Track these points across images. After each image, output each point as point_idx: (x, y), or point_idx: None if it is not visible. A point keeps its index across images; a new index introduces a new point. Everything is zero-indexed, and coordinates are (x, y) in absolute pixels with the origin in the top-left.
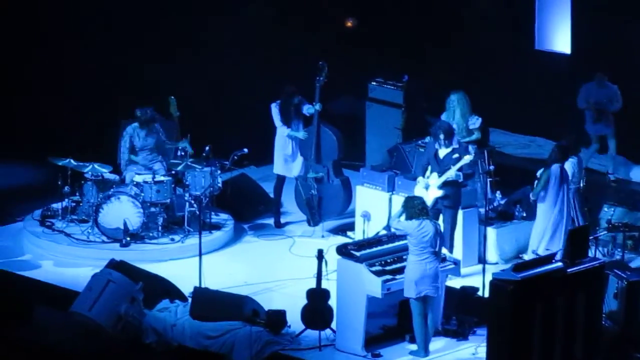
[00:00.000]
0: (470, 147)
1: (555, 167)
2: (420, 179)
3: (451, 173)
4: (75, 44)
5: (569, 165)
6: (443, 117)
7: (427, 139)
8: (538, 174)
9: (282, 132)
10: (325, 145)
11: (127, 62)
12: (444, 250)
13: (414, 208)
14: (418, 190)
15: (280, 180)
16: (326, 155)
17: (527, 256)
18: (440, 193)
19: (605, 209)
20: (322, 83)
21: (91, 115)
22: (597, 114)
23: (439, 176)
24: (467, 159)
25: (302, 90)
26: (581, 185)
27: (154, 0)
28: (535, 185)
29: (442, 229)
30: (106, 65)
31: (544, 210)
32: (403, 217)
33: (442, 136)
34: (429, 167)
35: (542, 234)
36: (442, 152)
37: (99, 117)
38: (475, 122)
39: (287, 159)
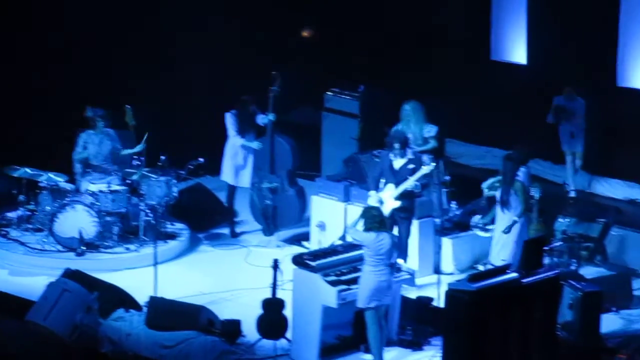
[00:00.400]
0: (426, 157)
1: (524, 180)
2: (372, 193)
3: (409, 183)
4: (32, 53)
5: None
6: (399, 127)
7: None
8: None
9: (235, 142)
10: (279, 155)
11: (82, 72)
12: (400, 261)
13: (373, 220)
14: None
15: (232, 189)
16: (280, 165)
17: (483, 267)
18: (397, 204)
19: (561, 220)
20: (276, 93)
21: (47, 125)
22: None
23: (396, 187)
24: (426, 169)
25: (257, 100)
26: (535, 196)
27: (113, 10)
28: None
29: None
30: (62, 75)
31: (502, 220)
32: (360, 226)
33: (397, 146)
34: (382, 180)
35: (502, 244)
36: (398, 163)
37: (55, 127)
38: (430, 130)
39: (237, 168)
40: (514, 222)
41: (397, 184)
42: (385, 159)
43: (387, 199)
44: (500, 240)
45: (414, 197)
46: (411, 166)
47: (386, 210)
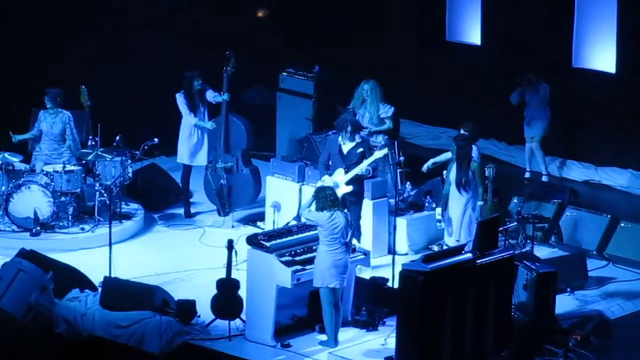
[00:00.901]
0: (381, 137)
1: (479, 160)
2: (326, 177)
3: (361, 168)
4: None
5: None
6: (355, 105)
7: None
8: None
9: (189, 121)
10: (233, 135)
11: (38, 50)
12: (354, 241)
13: (326, 199)
14: None
15: (187, 169)
16: (235, 145)
17: (437, 247)
18: (349, 189)
19: (515, 201)
20: (230, 73)
21: (2, 106)
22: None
23: (346, 172)
24: (379, 153)
25: (212, 80)
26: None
27: None
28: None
29: None
30: (16, 54)
31: (458, 201)
32: (313, 207)
33: (349, 129)
34: (330, 163)
35: (457, 225)
36: (346, 147)
37: (9, 106)
38: (387, 110)
39: (192, 148)
40: (480, 207)
41: (346, 168)
42: (334, 142)
43: (340, 182)
44: (457, 221)
45: (362, 181)
46: (360, 150)
47: (338, 194)
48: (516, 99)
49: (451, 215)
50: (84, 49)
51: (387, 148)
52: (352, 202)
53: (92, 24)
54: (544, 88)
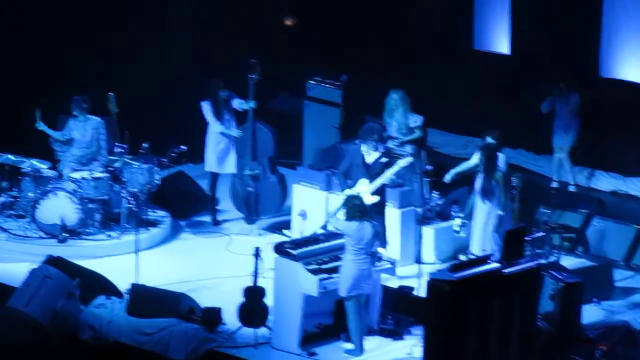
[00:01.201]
0: (409, 147)
1: (505, 170)
2: (348, 191)
3: (386, 176)
4: (16, 37)
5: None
6: (384, 116)
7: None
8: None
9: (215, 129)
10: (260, 142)
11: (65, 58)
12: (381, 250)
13: (355, 209)
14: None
15: (214, 177)
16: (262, 153)
17: (464, 257)
18: (375, 199)
19: (542, 210)
20: (256, 80)
21: (30, 111)
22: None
23: (371, 182)
24: (404, 162)
25: (238, 87)
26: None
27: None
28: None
29: None
30: (45, 61)
31: (486, 210)
32: (341, 215)
33: (376, 137)
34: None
35: (480, 234)
36: (370, 157)
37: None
38: (416, 120)
39: (219, 155)
40: (500, 217)
41: (370, 179)
42: (357, 153)
43: (364, 194)
44: (481, 231)
45: (384, 190)
46: (384, 160)
47: None
48: (546, 107)
49: (475, 225)
50: (112, 56)
51: (411, 157)
52: (375, 212)
53: (120, 30)
54: (574, 97)
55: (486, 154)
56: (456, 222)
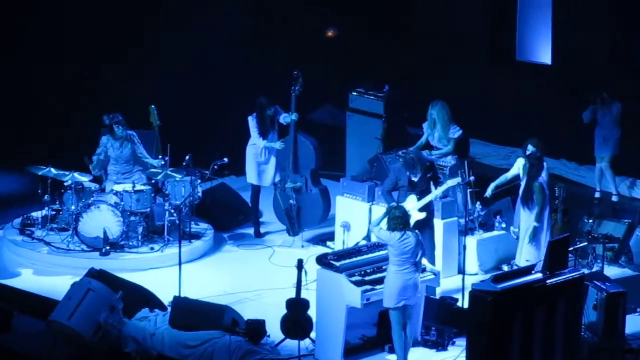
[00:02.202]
0: (450, 158)
1: (542, 180)
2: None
3: (434, 195)
4: (56, 51)
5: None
6: (424, 126)
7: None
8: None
9: (259, 144)
10: (302, 155)
11: (107, 72)
12: (425, 261)
13: (397, 219)
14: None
15: (256, 189)
16: (304, 165)
17: (507, 267)
18: (423, 216)
19: (585, 220)
20: (298, 93)
21: (72, 125)
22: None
23: (419, 199)
24: (452, 182)
25: (281, 99)
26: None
27: (135, 10)
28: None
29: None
30: (87, 75)
31: (523, 219)
32: (384, 224)
33: (419, 169)
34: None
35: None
36: (416, 177)
37: (80, 127)
38: (454, 132)
39: (260, 169)
40: (535, 228)
41: (419, 195)
42: (403, 173)
43: (412, 211)
44: (525, 241)
45: (432, 206)
46: (429, 175)
47: (412, 221)
48: (588, 117)
49: (521, 235)
50: (153, 68)
51: (460, 177)
52: (424, 227)
53: (160, 42)
54: (616, 107)
55: (531, 162)
56: (512, 230)
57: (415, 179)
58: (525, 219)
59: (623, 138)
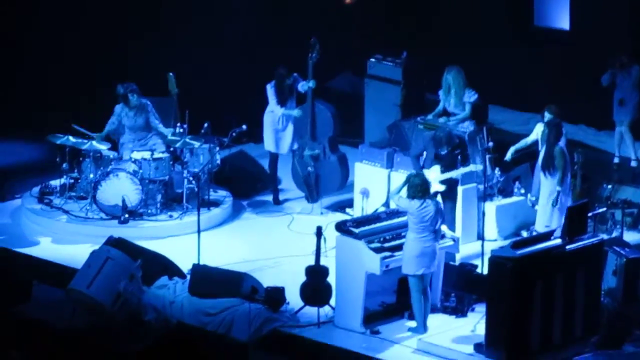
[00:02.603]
0: (467, 123)
1: (563, 145)
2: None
3: (458, 173)
4: (74, 19)
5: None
6: (440, 93)
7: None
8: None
9: (277, 112)
10: (320, 122)
11: (126, 39)
12: (444, 227)
13: (416, 187)
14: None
15: (274, 157)
16: (321, 132)
17: (526, 233)
18: (442, 188)
19: (604, 186)
20: (315, 59)
21: (90, 93)
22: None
23: (442, 172)
24: (474, 167)
25: (298, 66)
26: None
27: None
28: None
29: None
30: (104, 44)
31: (544, 185)
32: (404, 192)
33: (446, 147)
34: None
35: (543, 209)
36: (442, 152)
37: (98, 95)
38: (471, 96)
39: (277, 136)
40: (558, 192)
41: (443, 168)
42: (430, 146)
43: (433, 181)
44: (545, 207)
45: (456, 184)
46: (457, 152)
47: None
48: (607, 80)
49: (541, 201)
50: (171, 35)
51: (480, 166)
52: (446, 197)
53: (179, 10)
54: (635, 70)
55: (550, 128)
56: (529, 197)
57: (442, 153)
58: (546, 185)
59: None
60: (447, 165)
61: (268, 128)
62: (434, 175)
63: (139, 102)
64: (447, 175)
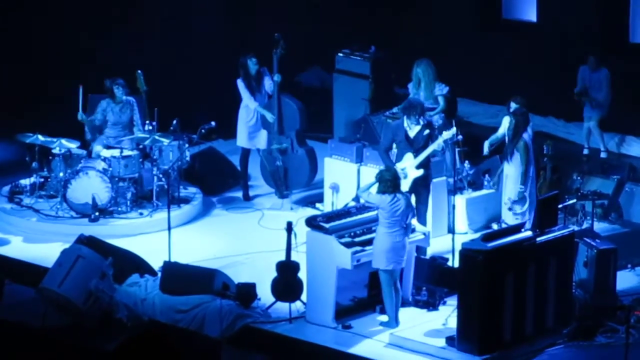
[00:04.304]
0: (437, 117)
1: (527, 137)
2: (397, 167)
3: (430, 150)
4: (41, 18)
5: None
6: (409, 86)
7: (397, 116)
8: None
9: (250, 106)
10: (287, 115)
11: (91, 37)
12: (414, 222)
13: (387, 182)
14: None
15: (245, 153)
16: (288, 126)
17: (497, 226)
18: (420, 172)
19: (574, 177)
20: (280, 55)
21: (57, 90)
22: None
23: (415, 156)
24: (447, 134)
25: (266, 62)
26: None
27: None
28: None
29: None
30: (70, 40)
31: (514, 179)
32: (374, 189)
33: (419, 111)
34: (395, 149)
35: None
36: (413, 131)
37: (65, 92)
38: (442, 89)
39: (250, 131)
40: (522, 193)
41: (415, 152)
42: (400, 129)
43: (409, 169)
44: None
45: (430, 164)
46: (426, 132)
47: (409, 180)
48: (578, 86)
49: (506, 191)
50: (140, 32)
51: (455, 128)
52: (421, 186)
53: (145, 7)
54: (604, 73)
55: (517, 118)
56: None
57: (411, 131)
58: (508, 168)
59: (611, 99)
60: (419, 147)
61: (242, 123)
62: (409, 163)
63: (125, 98)
64: (422, 156)
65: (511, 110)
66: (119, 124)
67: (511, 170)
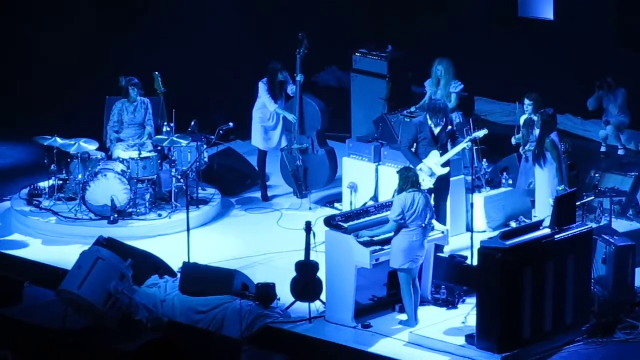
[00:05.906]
0: (456, 115)
1: (554, 135)
2: (422, 166)
3: (459, 148)
4: (57, 20)
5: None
6: (427, 84)
7: (415, 115)
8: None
9: (270, 108)
10: (308, 116)
11: (110, 38)
12: (433, 221)
13: (407, 180)
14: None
15: (263, 153)
16: (310, 126)
17: (516, 224)
18: (446, 171)
19: (592, 175)
20: (303, 54)
21: (76, 93)
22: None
23: (442, 154)
24: (481, 133)
25: (285, 62)
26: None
27: None
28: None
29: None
30: (89, 43)
31: (548, 178)
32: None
33: (443, 118)
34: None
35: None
36: (437, 129)
37: (83, 94)
38: (456, 87)
39: (267, 131)
40: (564, 188)
41: (441, 150)
42: (425, 126)
43: (435, 167)
44: (545, 199)
45: (450, 163)
46: (449, 129)
47: (435, 177)
48: (593, 104)
49: (537, 192)
50: (157, 34)
51: (485, 129)
52: (442, 184)
53: (163, 8)
54: (621, 94)
55: (544, 119)
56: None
57: (436, 131)
58: (541, 175)
59: (629, 99)
60: (443, 146)
61: (257, 125)
62: (435, 160)
63: (140, 98)
64: (449, 155)
65: (525, 106)
66: (134, 124)
67: (543, 172)
